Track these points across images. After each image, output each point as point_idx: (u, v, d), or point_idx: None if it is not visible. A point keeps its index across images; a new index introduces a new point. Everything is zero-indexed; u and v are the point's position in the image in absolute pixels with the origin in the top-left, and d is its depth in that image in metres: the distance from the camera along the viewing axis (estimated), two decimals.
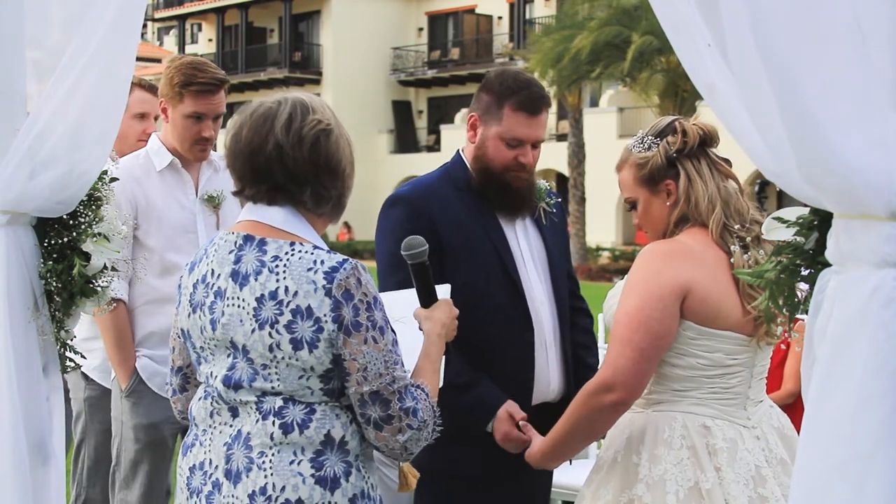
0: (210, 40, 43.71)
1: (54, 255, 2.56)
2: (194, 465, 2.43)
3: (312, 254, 2.32)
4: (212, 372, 2.41)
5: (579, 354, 3.38)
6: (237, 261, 2.36)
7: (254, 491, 2.29)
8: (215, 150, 3.90)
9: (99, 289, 2.63)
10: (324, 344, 2.28)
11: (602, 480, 2.81)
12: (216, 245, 2.43)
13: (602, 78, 25.97)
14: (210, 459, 2.39)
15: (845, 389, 1.78)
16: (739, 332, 2.76)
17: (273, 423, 2.31)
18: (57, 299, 2.57)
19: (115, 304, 3.33)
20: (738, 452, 2.72)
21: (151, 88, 4.27)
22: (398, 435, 2.32)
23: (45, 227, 2.58)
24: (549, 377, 3.25)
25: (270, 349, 2.30)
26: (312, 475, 2.29)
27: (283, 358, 2.30)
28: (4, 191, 2.47)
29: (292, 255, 2.32)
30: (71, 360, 2.68)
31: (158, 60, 42.84)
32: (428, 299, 2.63)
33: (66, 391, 4.06)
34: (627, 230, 32.85)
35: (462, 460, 3.19)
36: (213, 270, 2.40)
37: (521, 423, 3.06)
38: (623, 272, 2.83)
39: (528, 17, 37.57)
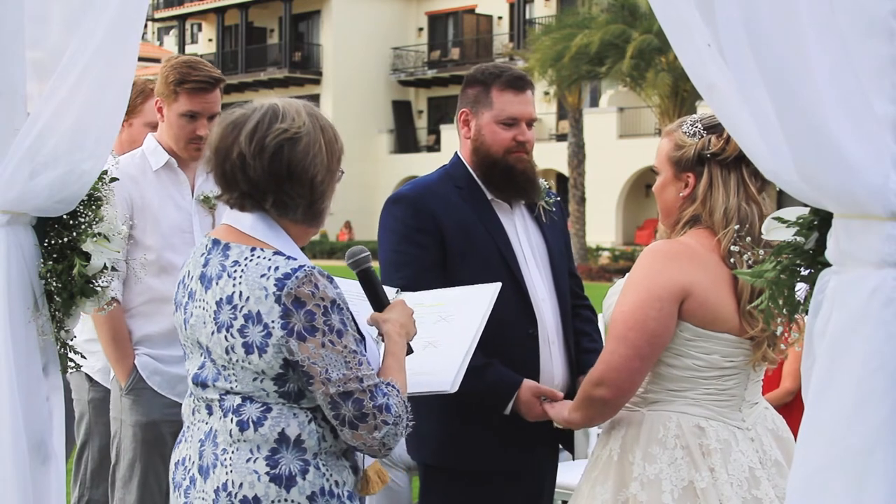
0: (210, 40, 43.68)
1: (54, 255, 2.56)
2: (178, 460, 2.50)
3: (270, 260, 2.33)
4: (189, 369, 2.48)
5: (580, 342, 3.39)
6: (205, 264, 2.42)
7: (218, 487, 2.35)
8: None
9: (99, 289, 2.64)
10: (272, 349, 2.30)
11: (598, 478, 2.82)
12: (196, 248, 2.51)
13: (602, 77, 25.89)
14: (189, 455, 2.45)
15: (845, 389, 1.78)
16: (736, 334, 2.76)
17: (231, 420, 2.36)
18: (57, 299, 2.57)
19: (114, 304, 3.32)
20: (731, 454, 2.72)
21: None
22: (375, 432, 2.32)
23: (45, 227, 2.58)
24: (552, 372, 3.26)
25: (227, 352, 2.35)
26: (267, 473, 2.32)
27: (237, 361, 2.34)
28: (4, 191, 2.47)
29: (250, 260, 2.35)
30: (71, 360, 2.68)
31: (158, 60, 42.69)
32: (379, 304, 2.62)
33: (68, 392, 4.06)
34: (627, 230, 32.86)
35: (468, 456, 3.21)
36: (189, 272, 2.47)
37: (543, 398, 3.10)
38: (623, 272, 2.83)
39: (528, 16, 37.55)
